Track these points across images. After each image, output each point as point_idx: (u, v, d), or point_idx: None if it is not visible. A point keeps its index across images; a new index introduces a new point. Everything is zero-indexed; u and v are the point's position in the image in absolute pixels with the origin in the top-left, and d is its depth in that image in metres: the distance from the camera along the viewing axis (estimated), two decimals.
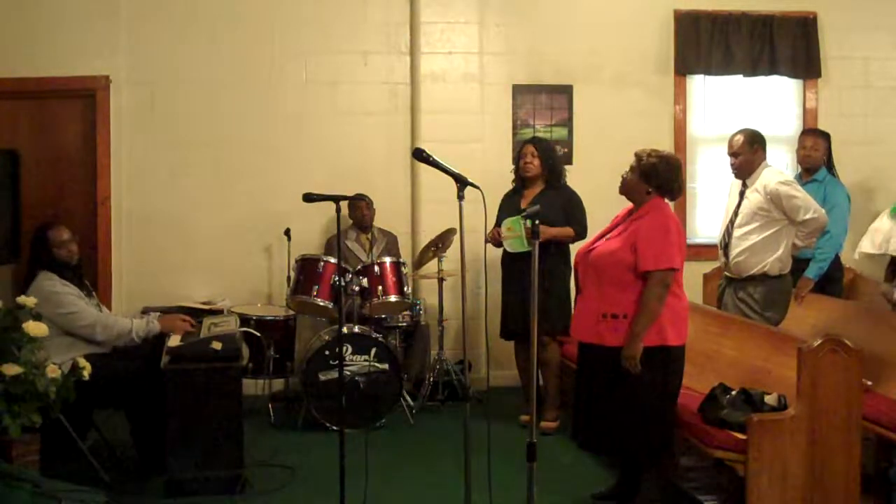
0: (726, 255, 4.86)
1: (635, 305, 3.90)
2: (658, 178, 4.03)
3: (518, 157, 5.53)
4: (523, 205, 5.31)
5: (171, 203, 6.24)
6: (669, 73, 6.67)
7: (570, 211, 5.34)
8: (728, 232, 4.86)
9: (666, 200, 4.11)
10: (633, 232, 3.98)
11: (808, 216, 4.66)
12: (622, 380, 3.92)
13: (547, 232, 5.05)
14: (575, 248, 4.61)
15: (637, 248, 3.92)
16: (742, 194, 4.83)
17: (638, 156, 4.09)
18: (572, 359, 5.35)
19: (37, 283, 4.49)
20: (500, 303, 5.48)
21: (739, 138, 4.83)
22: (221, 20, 6.25)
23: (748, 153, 4.80)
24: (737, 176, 4.90)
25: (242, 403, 4.33)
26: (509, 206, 5.42)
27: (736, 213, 4.83)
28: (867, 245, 4.96)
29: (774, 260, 4.70)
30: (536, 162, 5.38)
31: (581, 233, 5.32)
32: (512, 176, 5.58)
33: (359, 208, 6.07)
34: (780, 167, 6.24)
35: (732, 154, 4.85)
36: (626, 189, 4.14)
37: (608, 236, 4.13)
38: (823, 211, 4.76)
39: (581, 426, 4.19)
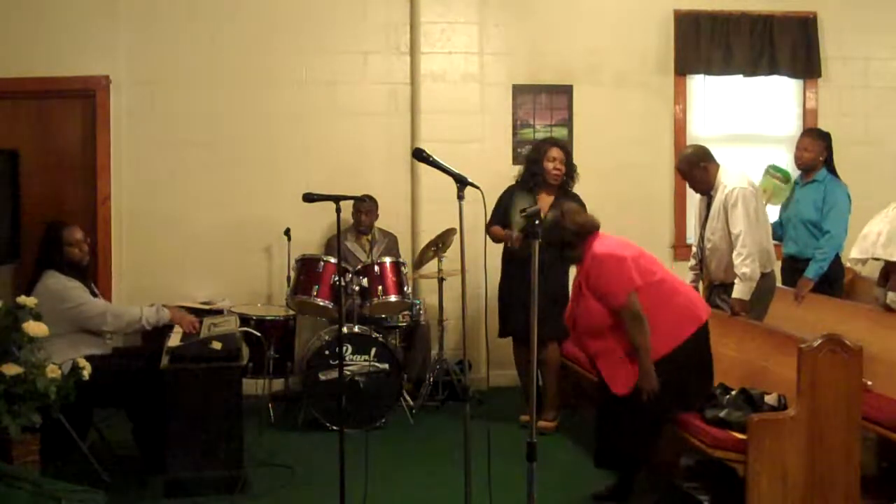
0: (705, 268, 4.92)
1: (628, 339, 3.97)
2: (561, 233, 4.06)
3: (540, 158, 5.30)
4: None
5: (171, 203, 6.24)
6: (669, 73, 6.67)
7: None
8: (701, 248, 4.92)
9: (596, 233, 4.10)
10: (589, 283, 4.03)
11: (740, 235, 4.62)
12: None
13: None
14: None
15: (600, 294, 3.98)
16: (709, 206, 4.86)
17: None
18: (572, 359, 5.36)
19: (42, 282, 4.50)
20: (497, 302, 5.48)
21: (684, 167, 4.84)
22: (221, 20, 6.24)
23: (700, 172, 4.81)
24: (702, 194, 4.92)
25: (242, 403, 4.33)
26: (522, 204, 5.08)
27: (704, 227, 4.86)
28: (856, 251, 4.98)
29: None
30: (563, 169, 5.31)
31: None
32: (512, 173, 5.53)
33: (359, 214, 6.06)
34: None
35: (687, 179, 4.87)
36: (568, 261, 4.24)
37: (577, 298, 4.16)
38: (758, 238, 4.68)
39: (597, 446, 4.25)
